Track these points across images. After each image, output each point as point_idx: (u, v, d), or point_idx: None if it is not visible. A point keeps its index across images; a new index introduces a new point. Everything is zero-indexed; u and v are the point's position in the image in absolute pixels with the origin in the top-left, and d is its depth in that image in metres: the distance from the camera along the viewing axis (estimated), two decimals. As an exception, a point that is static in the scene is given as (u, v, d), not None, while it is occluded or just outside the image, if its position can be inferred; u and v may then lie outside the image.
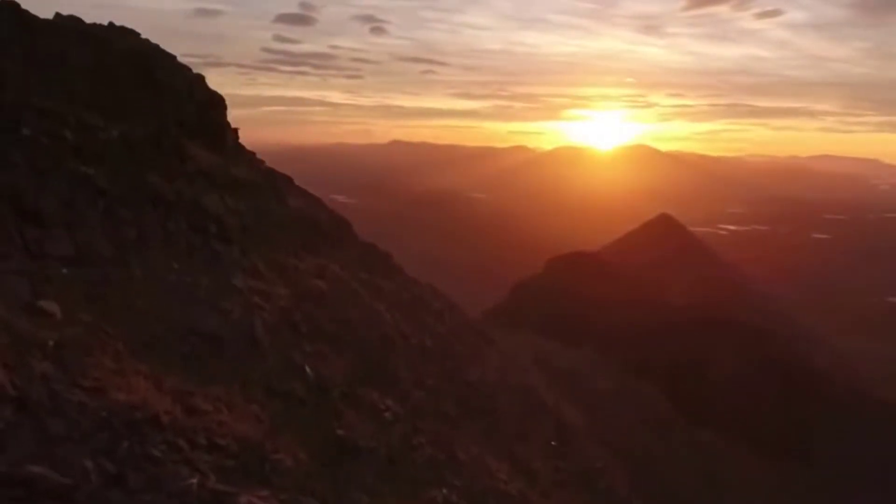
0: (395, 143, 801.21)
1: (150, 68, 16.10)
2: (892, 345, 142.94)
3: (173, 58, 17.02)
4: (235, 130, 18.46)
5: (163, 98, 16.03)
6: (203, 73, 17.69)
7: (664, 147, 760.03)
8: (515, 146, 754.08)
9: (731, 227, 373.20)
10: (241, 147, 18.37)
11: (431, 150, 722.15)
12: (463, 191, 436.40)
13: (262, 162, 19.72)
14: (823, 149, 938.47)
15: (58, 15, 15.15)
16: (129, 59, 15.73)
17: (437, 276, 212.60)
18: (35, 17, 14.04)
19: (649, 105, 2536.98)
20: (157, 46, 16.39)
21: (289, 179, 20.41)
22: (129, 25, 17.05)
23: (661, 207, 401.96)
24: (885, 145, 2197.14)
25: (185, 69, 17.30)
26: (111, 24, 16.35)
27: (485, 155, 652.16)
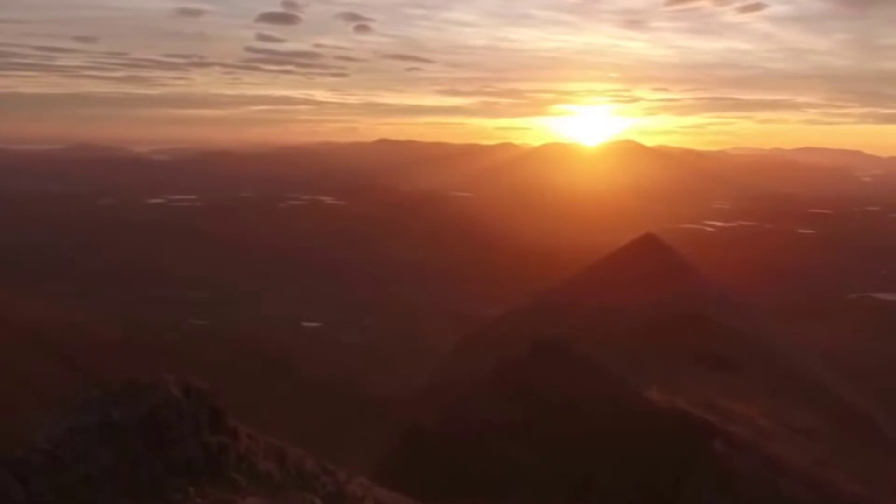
0: (382, 142, 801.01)
1: (160, 428, 17.34)
2: (891, 344, 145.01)
3: (180, 388, 18.11)
4: (234, 432, 19.67)
5: (172, 452, 17.32)
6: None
7: (650, 142, 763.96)
8: (502, 143, 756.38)
9: (718, 224, 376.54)
10: (242, 455, 19.63)
11: (418, 148, 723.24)
12: (450, 189, 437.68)
13: (258, 443, 20.84)
14: (807, 141, 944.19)
15: (76, 416, 16.21)
16: (142, 426, 16.97)
17: (425, 279, 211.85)
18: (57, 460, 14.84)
19: (634, 99, 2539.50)
20: (167, 393, 17.43)
21: (283, 456, 21.25)
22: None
23: (647, 204, 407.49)
24: (868, 136, 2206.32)
25: (190, 391, 18.34)
26: (126, 383, 17.45)
27: (471, 152, 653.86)
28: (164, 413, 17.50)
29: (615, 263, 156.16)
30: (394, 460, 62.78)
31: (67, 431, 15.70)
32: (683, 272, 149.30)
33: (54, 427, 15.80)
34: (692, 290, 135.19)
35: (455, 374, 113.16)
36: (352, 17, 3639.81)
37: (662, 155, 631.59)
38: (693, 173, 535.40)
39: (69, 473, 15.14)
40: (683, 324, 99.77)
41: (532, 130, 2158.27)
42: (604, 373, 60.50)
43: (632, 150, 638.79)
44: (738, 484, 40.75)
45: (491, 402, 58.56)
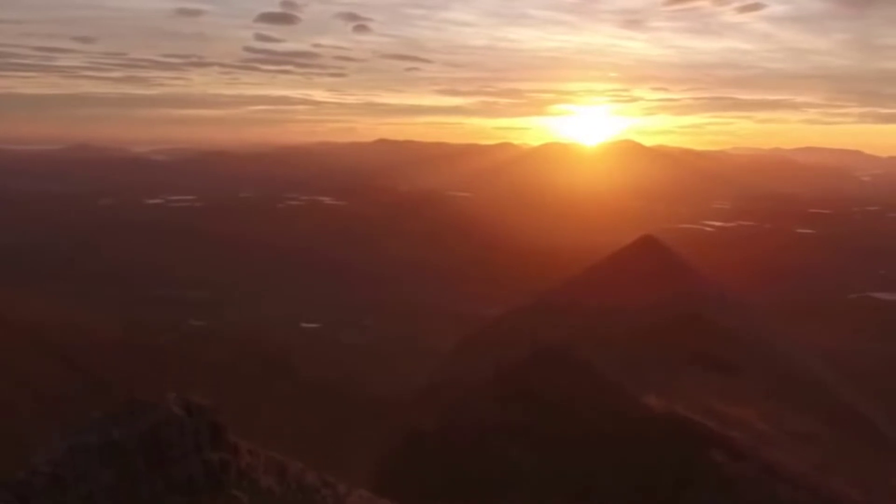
0: (381, 142, 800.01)
1: (161, 446, 17.44)
2: (891, 344, 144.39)
3: (181, 406, 18.17)
4: (235, 448, 19.74)
5: (173, 470, 17.43)
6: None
7: (649, 141, 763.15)
8: (501, 143, 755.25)
9: (717, 224, 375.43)
10: (243, 471, 19.73)
11: (417, 148, 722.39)
12: (449, 189, 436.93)
13: (258, 458, 20.88)
14: (807, 141, 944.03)
15: (76, 435, 16.35)
16: (143, 445, 17.05)
17: (425, 279, 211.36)
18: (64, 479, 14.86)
19: (633, 99, 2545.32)
20: (167, 411, 17.50)
21: (284, 470, 21.24)
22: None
23: (647, 204, 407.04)
24: (867, 136, 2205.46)
25: (192, 409, 18.45)
26: (129, 402, 17.55)
27: (470, 152, 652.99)
28: (165, 431, 17.62)
29: (615, 264, 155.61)
30: (394, 461, 62.77)
31: (68, 451, 15.75)
32: (683, 272, 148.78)
33: (55, 447, 15.88)
34: (691, 290, 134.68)
35: (455, 375, 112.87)
36: (351, 16, 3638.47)
37: (661, 155, 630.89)
38: (692, 173, 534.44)
39: (70, 493, 15.20)
40: (683, 324, 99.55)
41: (531, 130, 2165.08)
42: (603, 375, 60.41)
43: (631, 150, 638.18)
44: (737, 490, 40.70)
45: (491, 403, 58.55)
